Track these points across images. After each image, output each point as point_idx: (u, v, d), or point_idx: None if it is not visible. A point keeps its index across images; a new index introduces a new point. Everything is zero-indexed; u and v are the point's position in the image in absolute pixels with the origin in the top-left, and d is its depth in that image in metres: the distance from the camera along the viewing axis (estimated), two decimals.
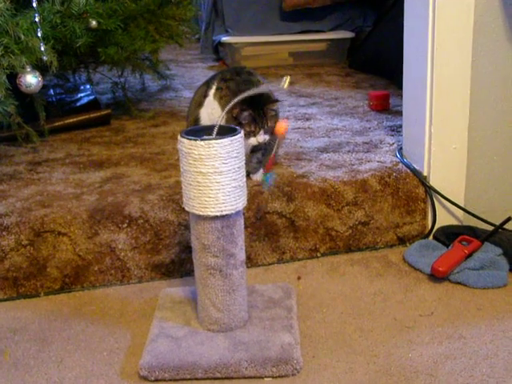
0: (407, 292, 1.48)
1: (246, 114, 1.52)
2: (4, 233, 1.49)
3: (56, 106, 2.42)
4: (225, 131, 1.20)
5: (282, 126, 1.41)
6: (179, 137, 1.19)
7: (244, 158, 1.22)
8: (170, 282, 1.56)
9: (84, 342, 1.33)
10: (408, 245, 1.69)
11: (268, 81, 1.70)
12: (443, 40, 1.57)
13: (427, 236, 1.70)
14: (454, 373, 1.19)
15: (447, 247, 1.61)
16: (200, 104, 1.64)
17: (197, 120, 1.63)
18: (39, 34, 1.77)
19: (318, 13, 3.40)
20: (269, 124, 1.56)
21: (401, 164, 1.74)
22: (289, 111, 2.38)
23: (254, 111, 1.53)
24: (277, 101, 1.59)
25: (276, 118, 1.60)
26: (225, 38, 3.36)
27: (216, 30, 3.55)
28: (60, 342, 1.33)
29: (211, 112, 1.61)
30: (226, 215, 1.21)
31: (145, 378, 1.19)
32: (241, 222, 1.26)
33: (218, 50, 3.56)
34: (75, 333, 1.36)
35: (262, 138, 1.56)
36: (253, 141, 1.57)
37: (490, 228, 1.63)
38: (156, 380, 1.19)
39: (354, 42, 3.41)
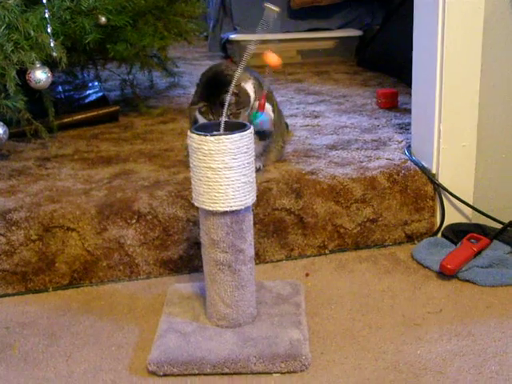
0: (415, 289, 1.48)
1: (200, 105, 1.57)
2: (13, 228, 1.49)
3: (65, 103, 2.42)
4: (234, 127, 1.20)
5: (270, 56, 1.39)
6: (189, 132, 1.19)
7: (254, 153, 1.22)
8: (179, 277, 1.57)
9: (92, 337, 1.33)
10: (416, 242, 1.69)
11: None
12: (453, 38, 1.57)
13: (436, 233, 1.70)
14: (463, 370, 1.18)
15: (456, 245, 1.61)
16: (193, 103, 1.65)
17: (196, 120, 1.62)
18: (49, 30, 1.78)
19: (326, 11, 3.40)
20: (228, 112, 1.51)
21: (409, 161, 1.74)
22: (297, 109, 2.38)
23: (210, 102, 1.55)
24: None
25: (261, 92, 1.58)
26: (233, 36, 3.36)
27: (224, 28, 3.56)
28: (68, 336, 1.34)
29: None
30: (236, 211, 1.21)
31: (153, 373, 1.20)
32: (250, 217, 1.26)
33: (226, 47, 3.56)
34: (84, 328, 1.37)
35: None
36: None
37: (499, 226, 1.63)
38: (164, 375, 1.19)
39: (362, 40, 3.40)
